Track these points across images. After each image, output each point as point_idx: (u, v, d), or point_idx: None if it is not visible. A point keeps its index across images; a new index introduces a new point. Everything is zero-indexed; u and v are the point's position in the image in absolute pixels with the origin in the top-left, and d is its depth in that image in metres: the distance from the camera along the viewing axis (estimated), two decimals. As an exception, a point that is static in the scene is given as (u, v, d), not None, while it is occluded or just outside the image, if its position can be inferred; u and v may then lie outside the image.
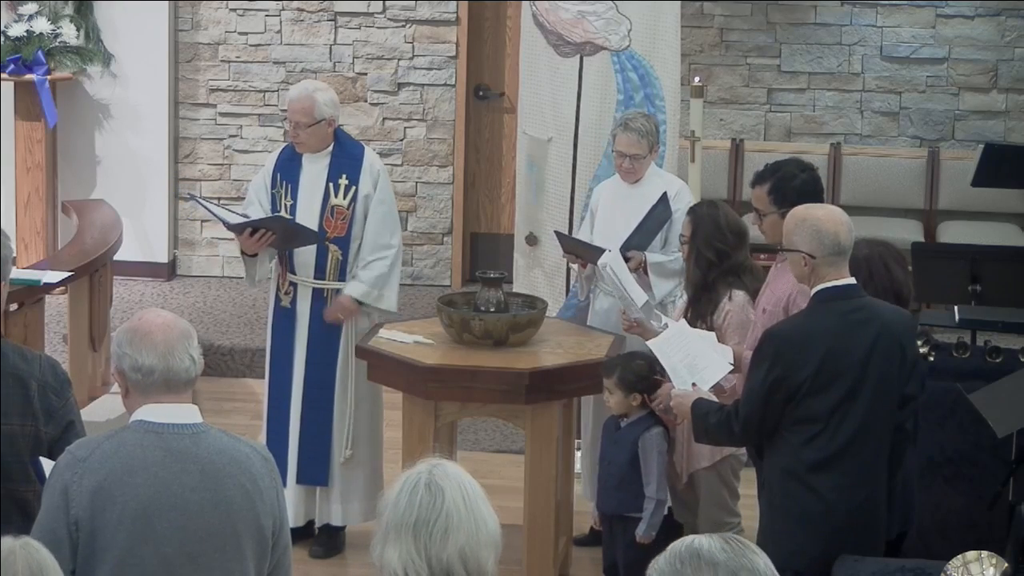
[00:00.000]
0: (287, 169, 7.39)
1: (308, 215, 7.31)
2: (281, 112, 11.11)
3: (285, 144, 7.58)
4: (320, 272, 7.36)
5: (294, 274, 7.40)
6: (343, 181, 7.34)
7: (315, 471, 7.38)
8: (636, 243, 7.31)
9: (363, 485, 7.46)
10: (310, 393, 7.40)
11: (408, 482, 3.39)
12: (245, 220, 7.31)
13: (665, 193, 7.37)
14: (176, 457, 4.01)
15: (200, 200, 7.58)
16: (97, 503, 3.95)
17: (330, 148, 7.37)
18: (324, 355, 7.40)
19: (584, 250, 7.38)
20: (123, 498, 3.95)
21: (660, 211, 7.31)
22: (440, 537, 3.33)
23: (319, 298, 7.39)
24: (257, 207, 7.41)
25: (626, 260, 7.22)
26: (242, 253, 7.42)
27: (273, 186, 7.39)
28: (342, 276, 7.37)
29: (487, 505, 3.40)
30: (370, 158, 7.42)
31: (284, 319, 7.44)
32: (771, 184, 6.25)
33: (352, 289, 7.33)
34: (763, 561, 3.05)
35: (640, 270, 7.28)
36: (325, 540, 7.49)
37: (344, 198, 7.33)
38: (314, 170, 7.35)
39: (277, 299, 7.48)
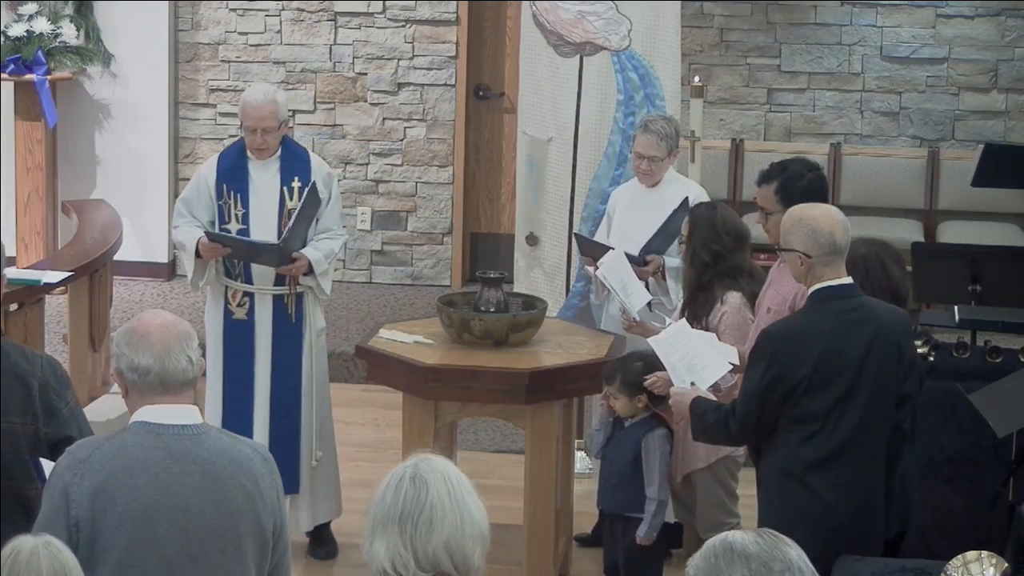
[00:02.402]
0: (233, 178, 7.19)
1: (264, 222, 7.15)
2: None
3: (219, 153, 7.37)
4: (281, 279, 7.21)
5: (250, 284, 7.24)
6: (296, 184, 7.19)
7: (287, 479, 7.24)
8: (656, 247, 7.31)
9: (326, 483, 7.39)
10: (278, 402, 7.25)
11: (394, 477, 3.41)
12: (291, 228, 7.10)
13: (687, 198, 7.37)
14: (177, 458, 4.01)
15: (223, 236, 7.19)
16: (98, 504, 3.95)
17: (279, 152, 7.24)
18: (289, 361, 7.26)
19: (597, 251, 7.37)
20: (124, 499, 3.95)
21: (680, 215, 7.30)
22: (425, 530, 3.35)
23: (280, 304, 7.25)
24: (194, 223, 7.20)
25: (646, 263, 7.23)
26: (196, 255, 7.16)
27: (219, 197, 7.19)
28: (298, 281, 7.26)
29: (474, 498, 3.41)
30: (316, 160, 7.32)
31: (239, 331, 7.25)
32: (778, 183, 6.24)
33: (309, 253, 7.16)
34: (796, 552, 3.11)
35: (659, 274, 7.28)
36: (325, 541, 7.45)
37: (298, 201, 7.18)
38: (265, 176, 7.19)
39: (227, 312, 7.27)
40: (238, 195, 7.19)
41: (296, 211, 7.13)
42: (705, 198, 7.50)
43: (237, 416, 7.23)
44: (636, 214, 7.47)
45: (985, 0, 10.78)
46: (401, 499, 3.37)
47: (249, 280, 7.25)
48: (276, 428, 7.26)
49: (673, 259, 7.32)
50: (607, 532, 6.94)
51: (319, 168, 7.29)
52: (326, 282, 7.30)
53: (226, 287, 7.28)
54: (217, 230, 7.18)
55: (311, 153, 7.37)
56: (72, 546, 3.94)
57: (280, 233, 7.15)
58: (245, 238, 7.18)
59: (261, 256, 7.17)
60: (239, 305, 7.27)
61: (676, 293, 7.27)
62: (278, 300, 7.26)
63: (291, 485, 7.26)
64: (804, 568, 3.10)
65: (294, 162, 7.24)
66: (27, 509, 4.54)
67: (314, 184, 7.15)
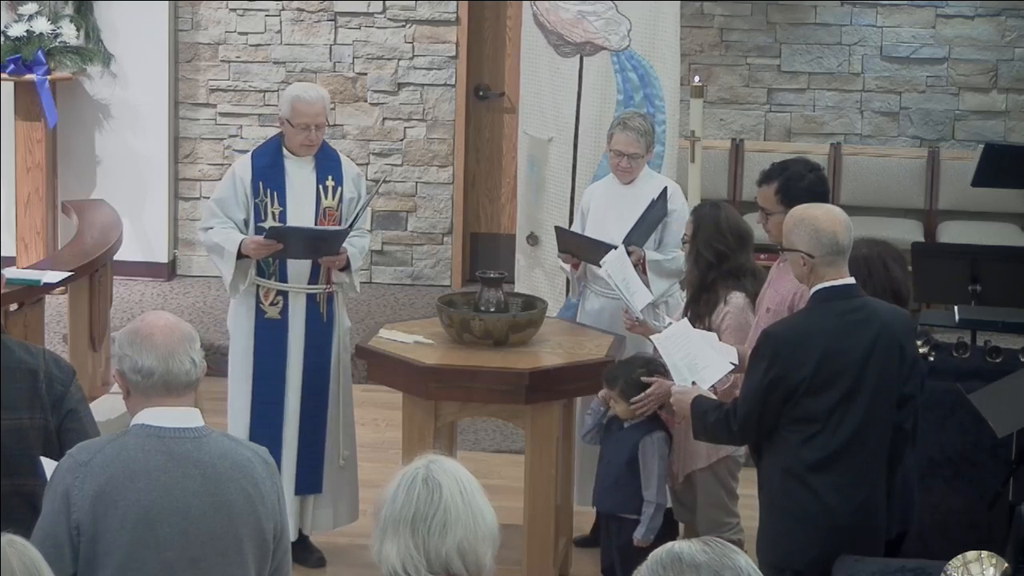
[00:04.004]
0: (269, 177, 7.18)
1: (301, 220, 7.14)
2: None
3: (252, 152, 7.33)
4: (314, 277, 7.24)
5: (284, 282, 7.22)
6: (330, 183, 7.22)
7: (312, 479, 7.27)
8: (635, 239, 7.30)
9: (350, 485, 7.40)
10: (307, 401, 7.25)
11: (405, 478, 3.40)
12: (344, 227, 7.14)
13: (666, 188, 7.36)
14: (178, 461, 4.00)
15: (286, 228, 7.16)
16: (99, 507, 3.95)
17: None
18: (320, 361, 7.27)
19: (585, 246, 7.35)
20: (125, 503, 3.95)
21: (659, 207, 7.30)
22: (439, 531, 3.34)
23: (313, 303, 7.26)
24: (228, 224, 7.17)
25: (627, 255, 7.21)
26: (240, 257, 7.13)
27: (256, 195, 7.16)
28: (330, 279, 7.28)
29: (484, 500, 3.41)
30: (346, 161, 7.35)
31: (272, 331, 7.23)
32: (779, 183, 6.24)
33: (347, 248, 7.21)
34: (744, 559, 3.09)
35: (640, 266, 7.27)
36: (311, 549, 7.39)
37: (333, 199, 7.22)
38: (302, 174, 7.20)
39: (260, 311, 7.24)
40: (275, 193, 7.17)
41: (362, 206, 7.19)
42: (679, 194, 7.49)
43: (266, 417, 7.22)
44: (612, 211, 7.45)
45: (985, 0, 10.78)
46: (414, 500, 3.36)
47: (284, 279, 7.23)
48: (307, 429, 7.26)
49: (652, 253, 7.31)
50: (603, 532, 6.95)
51: (349, 168, 7.34)
52: (357, 279, 7.35)
53: (257, 286, 7.25)
54: (253, 228, 7.17)
55: (340, 153, 7.39)
56: (73, 549, 3.95)
57: None
58: (309, 226, 7.18)
59: (315, 244, 7.15)
60: (272, 304, 7.25)
61: (654, 286, 7.25)
62: (310, 299, 7.27)
63: (315, 485, 7.29)
64: (753, 574, 3.09)
65: (327, 161, 7.27)
66: (33, 506, 4.53)
67: None
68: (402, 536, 3.35)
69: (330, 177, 7.24)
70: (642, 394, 6.58)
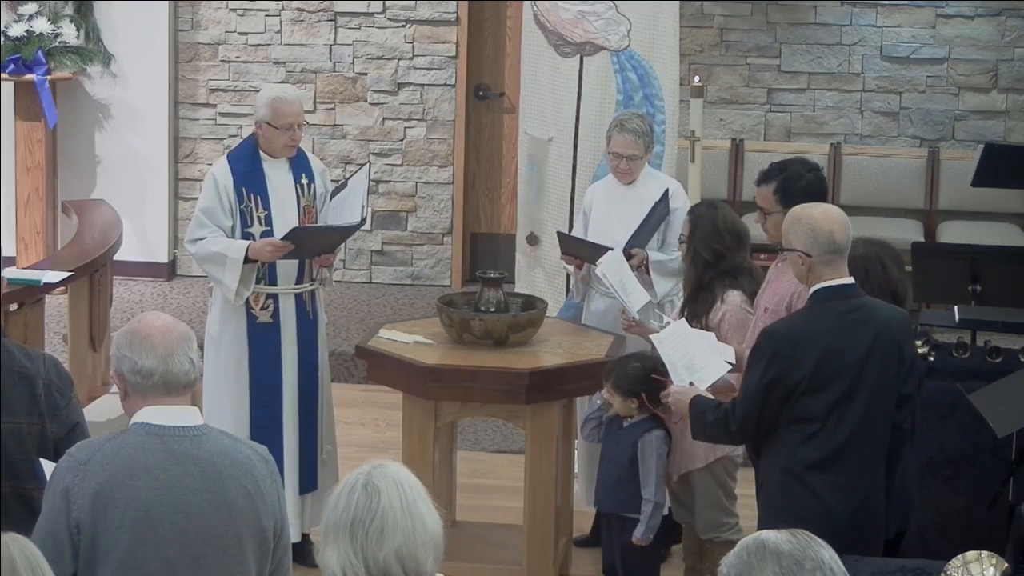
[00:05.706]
0: (250, 181, 7.15)
1: (286, 222, 7.12)
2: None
3: (227, 156, 7.28)
4: (301, 277, 7.24)
5: (274, 285, 7.20)
6: (304, 180, 7.22)
7: (311, 477, 7.28)
8: (638, 241, 7.31)
9: (331, 479, 7.38)
10: (303, 401, 7.24)
11: (348, 483, 3.40)
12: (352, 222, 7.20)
13: (668, 189, 7.36)
14: (177, 459, 4.01)
15: (307, 228, 7.18)
16: (98, 506, 3.95)
17: None
18: (311, 359, 7.27)
19: (586, 249, 7.36)
20: (124, 501, 3.96)
21: (661, 208, 7.31)
22: (376, 538, 3.33)
23: (300, 302, 7.25)
24: (218, 233, 7.12)
25: (629, 257, 7.21)
26: (246, 260, 7.07)
27: (240, 202, 7.13)
28: (312, 276, 7.30)
29: (428, 505, 3.40)
30: (312, 157, 7.37)
31: (266, 335, 7.20)
32: (777, 183, 6.25)
33: None
34: (828, 553, 3.18)
35: (642, 268, 7.28)
36: (310, 546, 7.41)
37: (309, 196, 7.22)
38: (280, 175, 7.18)
39: (251, 317, 7.19)
40: (258, 197, 7.15)
41: (364, 195, 7.23)
42: (682, 192, 7.50)
43: (266, 420, 7.19)
44: (614, 211, 7.45)
45: (985, 0, 10.78)
46: (353, 506, 3.35)
47: (273, 281, 7.21)
48: (302, 427, 7.25)
49: (656, 253, 7.31)
50: (604, 532, 6.94)
51: (316, 163, 7.36)
52: (332, 273, 7.38)
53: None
54: (240, 234, 7.13)
55: (304, 149, 7.38)
56: (73, 547, 3.96)
57: None
58: (327, 224, 7.21)
59: (329, 241, 7.17)
60: (263, 308, 7.21)
61: (658, 286, 7.25)
62: (298, 299, 7.26)
63: (313, 482, 7.29)
64: (836, 569, 3.14)
65: (298, 159, 7.27)
66: (32, 510, 4.54)
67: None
68: (342, 542, 3.34)
69: (304, 175, 7.24)
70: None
